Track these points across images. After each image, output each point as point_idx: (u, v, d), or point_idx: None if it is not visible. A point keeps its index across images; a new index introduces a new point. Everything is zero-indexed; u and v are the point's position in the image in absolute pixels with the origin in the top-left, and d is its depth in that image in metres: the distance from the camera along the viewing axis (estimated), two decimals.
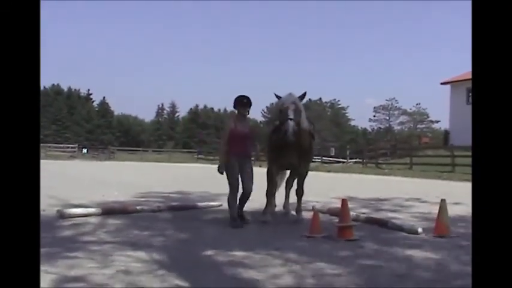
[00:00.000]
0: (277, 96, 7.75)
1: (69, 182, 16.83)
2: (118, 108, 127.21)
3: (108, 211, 8.79)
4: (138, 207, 9.19)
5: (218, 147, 8.49)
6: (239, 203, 7.91)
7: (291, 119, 7.17)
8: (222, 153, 7.83)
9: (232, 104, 7.90)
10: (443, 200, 7.01)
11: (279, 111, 7.52)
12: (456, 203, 10.40)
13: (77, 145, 62.53)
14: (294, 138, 7.22)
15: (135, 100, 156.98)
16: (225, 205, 7.85)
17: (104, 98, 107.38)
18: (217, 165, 7.92)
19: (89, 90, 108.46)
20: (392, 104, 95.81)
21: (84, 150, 64.35)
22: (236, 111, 7.92)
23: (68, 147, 59.85)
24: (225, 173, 7.76)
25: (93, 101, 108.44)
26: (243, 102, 7.80)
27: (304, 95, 7.67)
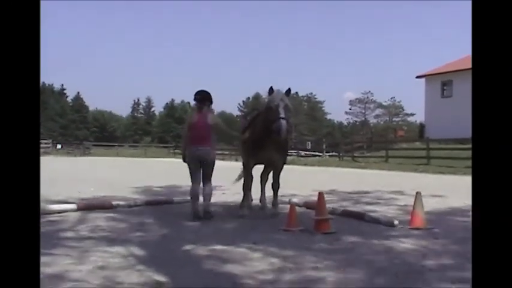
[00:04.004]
0: (271, 90, 7.52)
1: (43, 179, 16.59)
2: (93, 103, 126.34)
3: (84, 207, 8.72)
4: (114, 203, 9.14)
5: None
6: (203, 198, 7.95)
7: (283, 118, 7.16)
8: (184, 146, 8.07)
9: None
10: (418, 193, 7.09)
11: (268, 108, 7.45)
12: (432, 196, 10.54)
13: (51, 141, 61.50)
14: (286, 136, 7.24)
15: (110, 95, 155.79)
16: (201, 199, 7.84)
17: (78, 93, 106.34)
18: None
19: (62, 85, 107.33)
20: (368, 97, 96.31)
21: (59, 146, 63.48)
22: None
23: (41, 143, 58.93)
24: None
25: (67, 96, 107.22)
26: (196, 98, 8.09)
27: (288, 91, 7.65)
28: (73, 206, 8.63)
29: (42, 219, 7.55)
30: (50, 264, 4.78)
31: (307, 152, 45.05)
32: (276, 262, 4.96)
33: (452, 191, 12.15)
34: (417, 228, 6.85)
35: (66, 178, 16.91)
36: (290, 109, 7.48)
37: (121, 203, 9.24)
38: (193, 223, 7.49)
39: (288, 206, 7.41)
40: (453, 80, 37.98)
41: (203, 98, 8.09)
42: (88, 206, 8.85)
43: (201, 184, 7.95)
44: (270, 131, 7.21)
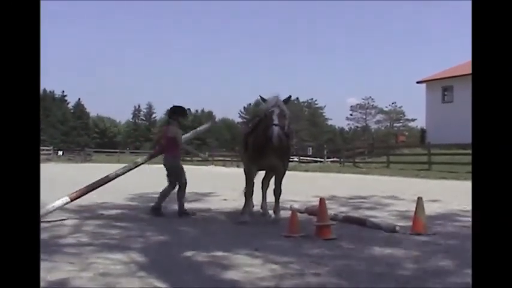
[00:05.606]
0: (263, 99, 7.69)
1: (43, 185, 16.55)
2: (94, 109, 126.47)
3: (77, 197, 8.79)
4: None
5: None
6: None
7: (275, 125, 7.17)
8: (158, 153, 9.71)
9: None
10: (420, 198, 7.08)
11: (264, 115, 7.48)
12: (433, 201, 10.53)
13: (52, 147, 61.58)
14: (279, 143, 7.24)
15: (111, 101, 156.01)
16: (202, 205, 7.86)
17: (79, 99, 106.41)
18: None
19: (63, 91, 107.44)
20: (368, 102, 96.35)
21: (60, 153, 63.55)
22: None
23: (43, 150, 58.85)
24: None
25: (68, 103, 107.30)
26: (169, 112, 9.74)
27: (288, 98, 7.69)
28: (66, 199, 8.58)
29: (42, 226, 7.56)
30: (51, 270, 4.77)
31: (309, 158, 45.02)
32: (277, 268, 4.95)
33: (454, 196, 12.13)
34: (418, 234, 6.83)
35: (65, 184, 16.86)
36: (286, 115, 7.48)
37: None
38: (194, 229, 7.49)
39: (289, 212, 7.40)
40: (454, 86, 38.00)
41: (173, 111, 9.45)
42: (81, 194, 8.91)
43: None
44: (267, 138, 7.24)
